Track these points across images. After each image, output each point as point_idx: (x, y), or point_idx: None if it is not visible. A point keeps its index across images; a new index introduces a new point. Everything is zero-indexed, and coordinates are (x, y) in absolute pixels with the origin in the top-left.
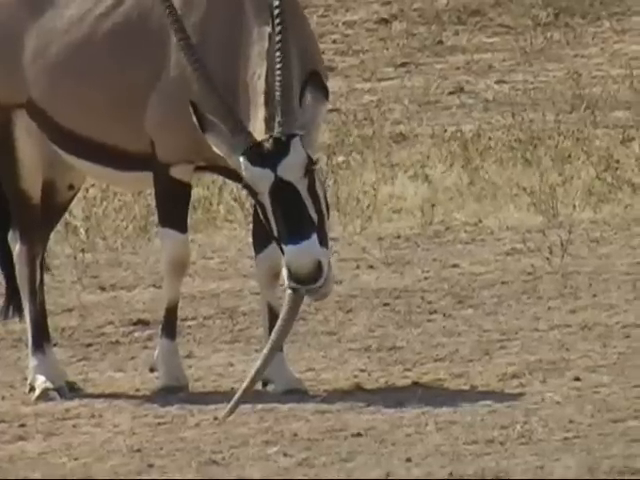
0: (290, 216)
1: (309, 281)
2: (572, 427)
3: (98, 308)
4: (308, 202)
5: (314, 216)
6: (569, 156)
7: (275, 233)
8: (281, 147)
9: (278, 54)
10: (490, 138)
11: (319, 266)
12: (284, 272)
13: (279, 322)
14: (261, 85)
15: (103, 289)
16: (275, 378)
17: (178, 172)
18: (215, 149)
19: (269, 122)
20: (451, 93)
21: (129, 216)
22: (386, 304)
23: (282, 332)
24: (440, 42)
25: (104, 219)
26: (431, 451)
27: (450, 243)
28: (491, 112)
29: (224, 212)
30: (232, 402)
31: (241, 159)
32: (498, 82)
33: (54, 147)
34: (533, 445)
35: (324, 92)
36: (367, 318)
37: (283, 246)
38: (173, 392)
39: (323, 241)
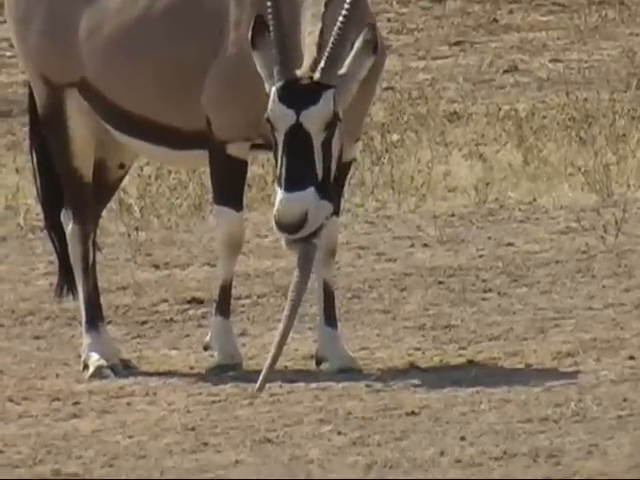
0: (293, 163)
1: (290, 230)
2: (626, 405)
3: (152, 286)
4: (318, 155)
5: (319, 170)
6: (624, 135)
7: (277, 173)
8: (313, 94)
9: (342, 13)
10: (544, 117)
11: (304, 218)
12: (272, 217)
13: (295, 278)
14: (314, 37)
15: (157, 267)
16: (329, 357)
17: (235, 150)
18: (258, 68)
19: (313, 67)
20: (505, 72)
21: (183, 194)
22: (441, 282)
23: (300, 288)
24: (495, 20)
25: (158, 197)
26: (485, 430)
27: (504, 222)
28: (545, 91)
29: None
30: (263, 372)
31: (273, 89)
32: (552, 61)
33: (107, 126)
34: (587, 423)
35: (373, 46)
36: (421, 296)
37: (277, 189)
38: (227, 370)
39: (323, 195)
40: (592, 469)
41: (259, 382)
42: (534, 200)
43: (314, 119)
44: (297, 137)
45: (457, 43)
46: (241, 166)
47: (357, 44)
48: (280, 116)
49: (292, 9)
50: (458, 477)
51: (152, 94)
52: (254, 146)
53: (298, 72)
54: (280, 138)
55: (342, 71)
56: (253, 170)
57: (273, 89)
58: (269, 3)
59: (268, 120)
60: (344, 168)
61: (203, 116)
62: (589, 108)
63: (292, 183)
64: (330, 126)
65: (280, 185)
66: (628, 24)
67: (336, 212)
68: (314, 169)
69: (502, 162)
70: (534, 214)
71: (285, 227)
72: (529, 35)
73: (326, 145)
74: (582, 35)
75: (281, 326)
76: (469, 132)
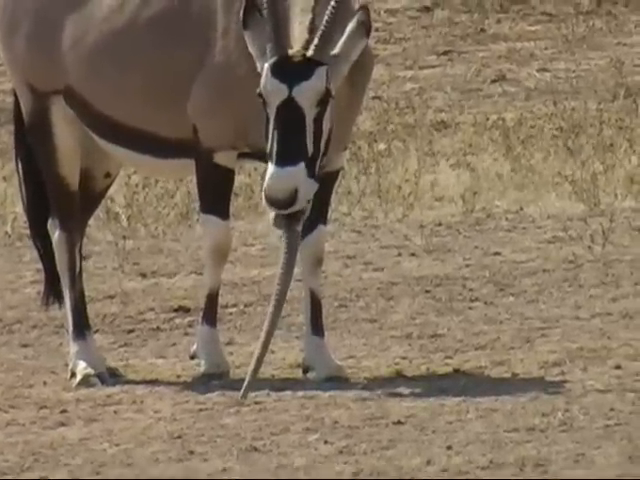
0: (285, 138)
1: (281, 206)
2: (613, 415)
3: (139, 295)
4: (309, 131)
5: (310, 147)
6: (611, 144)
7: (267, 149)
8: (305, 69)
9: None
10: (532, 126)
11: (294, 194)
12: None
13: (280, 267)
14: (304, 24)
15: (144, 276)
16: (316, 365)
17: (222, 158)
18: (249, 47)
19: (305, 46)
20: (493, 81)
21: (170, 203)
22: (427, 291)
23: (284, 282)
24: (482, 30)
25: (145, 206)
26: (472, 439)
27: (491, 231)
28: (533, 100)
29: None
30: (247, 378)
31: (265, 65)
32: (540, 70)
33: (92, 134)
34: (574, 433)
35: (367, 28)
36: (408, 305)
37: (269, 164)
38: (214, 379)
39: (311, 173)
40: (579, 478)
41: (243, 389)
42: (521, 209)
43: (306, 94)
44: (289, 112)
45: (445, 53)
46: (228, 175)
47: (350, 25)
48: (273, 90)
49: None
50: None
51: (138, 102)
52: (241, 155)
53: (290, 51)
54: (272, 113)
55: (335, 51)
56: (240, 179)
57: (266, 65)
58: None
59: (260, 95)
60: (332, 177)
61: (190, 124)
62: (577, 118)
63: (283, 158)
64: (322, 103)
65: (271, 160)
66: (615, 34)
67: (323, 221)
68: (305, 145)
69: (489, 171)
70: (521, 223)
71: (275, 202)
72: (517, 45)
73: (317, 122)
74: (570, 45)
75: (266, 324)
76: (456, 141)
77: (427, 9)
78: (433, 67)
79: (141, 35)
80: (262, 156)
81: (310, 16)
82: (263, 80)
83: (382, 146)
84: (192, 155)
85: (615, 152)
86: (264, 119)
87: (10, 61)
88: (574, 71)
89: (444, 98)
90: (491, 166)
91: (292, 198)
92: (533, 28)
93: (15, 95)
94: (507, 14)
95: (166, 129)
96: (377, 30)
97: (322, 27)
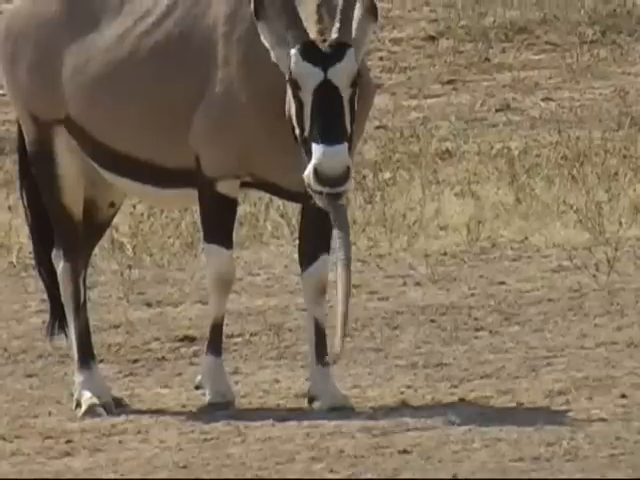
0: (329, 118)
1: (336, 183)
2: (618, 444)
3: (144, 324)
4: (346, 111)
5: (348, 127)
6: (615, 173)
7: (306, 132)
8: (337, 52)
9: None
10: (537, 155)
11: (347, 171)
12: (309, 174)
13: (338, 237)
14: (312, 14)
15: (149, 305)
16: (321, 395)
17: (225, 187)
18: (263, 39)
19: (322, 31)
20: (498, 110)
21: (176, 232)
22: (432, 321)
23: (347, 247)
24: (487, 59)
25: (151, 235)
26: (477, 468)
27: (496, 260)
28: (538, 129)
29: (271, 228)
30: (339, 334)
31: (292, 51)
32: (544, 99)
33: (94, 164)
34: (579, 462)
35: (374, 12)
36: (414, 335)
37: (315, 145)
38: (219, 408)
39: (351, 154)
40: None
41: (336, 349)
42: (526, 238)
43: (342, 75)
44: (328, 93)
45: (449, 82)
46: (231, 204)
47: (359, 10)
48: (307, 74)
49: None
50: None
51: (139, 132)
52: (243, 184)
53: (313, 35)
54: (308, 96)
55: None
56: (245, 208)
57: (293, 51)
58: None
59: (291, 81)
60: None
61: (192, 154)
62: (581, 147)
63: (332, 136)
64: (354, 84)
65: (317, 140)
66: (620, 63)
67: (327, 250)
68: (345, 125)
69: (494, 200)
70: (526, 252)
71: (330, 180)
72: (521, 74)
73: (352, 103)
74: (574, 74)
75: (340, 288)
76: (461, 170)
77: (432, 38)
78: (438, 96)
79: (142, 65)
80: (265, 186)
81: (313, 6)
82: (294, 66)
83: (387, 175)
84: (195, 184)
85: (620, 181)
86: (294, 103)
87: (13, 90)
88: (578, 100)
89: (449, 127)
90: (496, 195)
91: (346, 174)
92: (537, 57)
93: (18, 125)
94: (511, 43)
95: (168, 159)
96: (381, 59)
97: (340, 11)
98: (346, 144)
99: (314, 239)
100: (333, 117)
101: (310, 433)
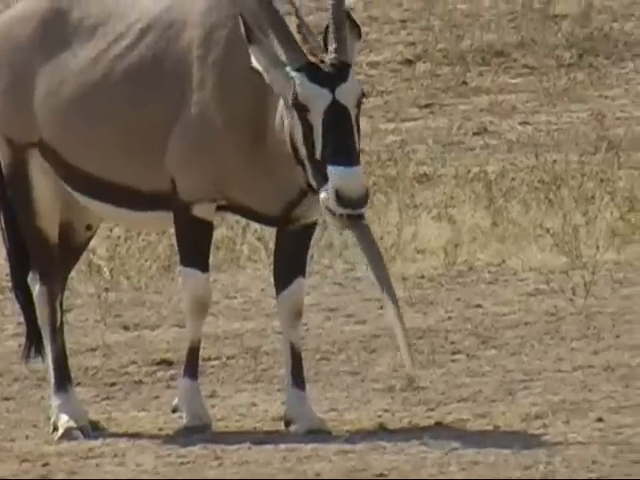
0: (344, 139)
1: (358, 205)
2: (595, 468)
3: (121, 347)
4: (355, 131)
5: (358, 146)
6: (592, 197)
7: (317, 154)
8: (341, 72)
9: None
10: (513, 179)
11: (367, 192)
12: (329, 196)
13: (368, 259)
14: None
15: (127, 328)
16: (298, 418)
17: (201, 211)
18: (254, 63)
19: (313, 51)
20: (475, 134)
21: (153, 255)
22: (410, 344)
23: (378, 264)
24: (464, 83)
25: (128, 258)
26: None
27: (473, 283)
28: (515, 153)
29: (247, 252)
30: (407, 357)
31: (296, 75)
32: (522, 123)
33: (67, 187)
34: None
35: (358, 32)
36: (390, 358)
37: (332, 167)
38: (196, 432)
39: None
40: None
41: (410, 368)
42: (503, 262)
43: (348, 95)
44: (338, 114)
45: (426, 105)
46: (207, 227)
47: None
48: (315, 96)
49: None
50: None
51: (113, 156)
52: (220, 207)
53: (312, 57)
54: (317, 118)
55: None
56: (222, 232)
57: (296, 74)
58: None
59: (298, 103)
60: (309, 229)
61: (167, 177)
62: (558, 170)
63: (350, 158)
64: (359, 104)
65: (334, 162)
66: (597, 87)
67: (302, 273)
68: (357, 145)
69: (471, 224)
70: (503, 276)
71: (351, 202)
72: (498, 97)
73: (358, 122)
74: (551, 98)
75: (390, 310)
76: (438, 194)
77: (409, 62)
78: (415, 120)
79: (115, 88)
80: (240, 210)
81: (296, 21)
82: (300, 88)
83: None
84: (170, 207)
85: (596, 204)
86: (301, 126)
87: None
88: (556, 124)
89: (426, 151)
90: (473, 218)
91: (366, 195)
92: (515, 81)
93: None
94: (489, 67)
95: (142, 182)
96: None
97: (332, 31)
98: (361, 165)
99: (289, 263)
100: (347, 138)
101: (287, 457)
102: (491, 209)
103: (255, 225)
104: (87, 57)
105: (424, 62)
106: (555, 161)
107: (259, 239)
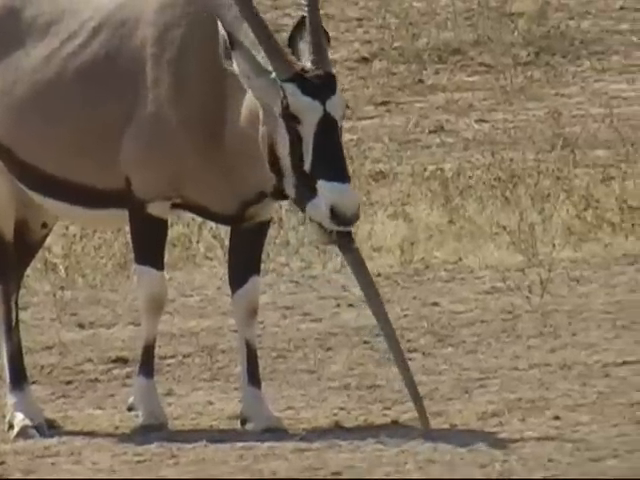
0: (337, 154)
1: (350, 222)
2: (551, 466)
3: (77, 346)
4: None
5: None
6: (549, 195)
7: (307, 167)
8: (331, 83)
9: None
10: (470, 177)
11: (359, 208)
12: (321, 211)
13: (360, 284)
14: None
15: (82, 327)
16: (254, 417)
17: (155, 209)
18: (235, 68)
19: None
20: (431, 132)
21: (108, 253)
22: (366, 342)
23: (369, 289)
24: (420, 81)
25: (83, 256)
26: None
27: (430, 282)
28: (471, 151)
29: (203, 250)
30: (418, 410)
31: (287, 85)
32: (478, 121)
33: (21, 186)
34: None
35: (327, 37)
36: (347, 356)
37: (326, 183)
38: (152, 430)
39: None
40: None
41: (424, 420)
42: (459, 260)
43: (337, 108)
44: (329, 127)
45: (383, 103)
46: (162, 225)
47: None
48: (307, 108)
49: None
50: None
51: (68, 154)
52: (174, 206)
53: (298, 67)
54: (309, 130)
55: None
56: (178, 229)
57: (287, 84)
58: (241, 4)
59: (289, 114)
60: (263, 227)
61: (122, 175)
62: (514, 168)
63: (345, 174)
64: (344, 115)
65: (328, 177)
66: (554, 85)
67: (257, 272)
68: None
69: (427, 222)
70: (459, 274)
71: (345, 219)
72: (455, 96)
73: (341, 135)
74: (508, 96)
75: (393, 353)
76: (394, 192)
77: (365, 60)
78: (371, 118)
79: (69, 87)
80: (195, 208)
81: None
82: (292, 99)
83: None
84: (125, 206)
85: (553, 202)
86: (289, 136)
87: None
88: (512, 122)
89: (382, 149)
90: (429, 217)
91: (359, 212)
92: (471, 79)
93: None
94: (445, 65)
95: (97, 180)
96: None
97: (313, 42)
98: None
99: (244, 261)
100: (339, 153)
101: (243, 455)
102: (447, 207)
103: (211, 223)
104: (40, 56)
105: (380, 60)
106: (511, 159)
107: (215, 237)
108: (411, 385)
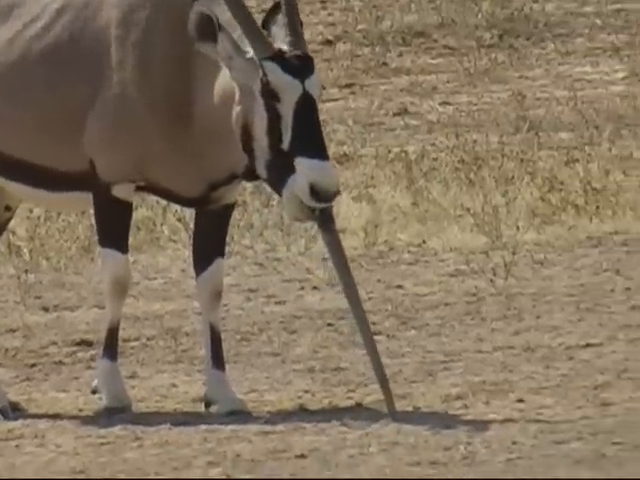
0: (317, 132)
1: (330, 199)
2: (515, 448)
3: (41, 328)
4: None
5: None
6: (512, 177)
7: (285, 145)
8: (309, 63)
9: None
10: (434, 159)
11: (339, 186)
12: (301, 189)
13: (335, 266)
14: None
15: (46, 310)
16: (218, 399)
17: (120, 191)
18: (218, 49)
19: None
20: (395, 114)
21: (73, 236)
22: (330, 325)
23: (344, 272)
24: (384, 63)
25: (48, 239)
26: (374, 473)
27: (394, 264)
28: (435, 133)
29: (168, 232)
30: (385, 397)
31: (267, 63)
32: (442, 103)
33: None
34: (476, 467)
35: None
36: (311, 339)
37: (305, 160)
38: (116, 413)
39: None
40: None
41: (389, 407)
42: (423, 242)
43: (316, 87)
44: (308, 106)
45: (347, 86)
46: (126, 208)
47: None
48: (288, 86)
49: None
50: None
51: (31, 137)
52: (139, 188)
53: (278, 47)
54: (288, 109)
55: None
56: (142, 212)
57: (266, 63)
58: None
59: (269, 92)
60: (228, 209)
61: (86, 158)
62: (478, 151)
63: (324, 151)
64: (321, 95)
65: (307, 155)
66: (517, 67)
67: (221, 254)
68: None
69: (391, 204)
70: (423, 256)
71: (328, 195)
72: (419, 78)
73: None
74: (472, 78)
75: (363, 336)
76: (358, 174)
77: (329, 42)
78: (335, 100)
79: (32, 69)
80: (159, 191)
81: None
82: (273, 77)
83: None
84: (89, 188)
85: (517, 185)
86: (267, 114)
87: None
88: (476, 104)
89: (346, 131)
90: (393, 199)
91: (338, 189)
92: (435, 61)
93: None
94: (409, 47)
95: (60, 163)
96: None
97: (291, 25)
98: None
99: (208, 243)
100: (319, 132)
101: (207, 437)
102: (411, 189)
103: (176, 206)
104: (3, 38)
105: (344, 43)
106: (475, 141)
107: (179, 220)
108: (379, 368)
